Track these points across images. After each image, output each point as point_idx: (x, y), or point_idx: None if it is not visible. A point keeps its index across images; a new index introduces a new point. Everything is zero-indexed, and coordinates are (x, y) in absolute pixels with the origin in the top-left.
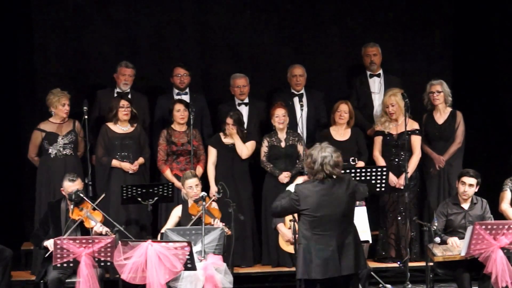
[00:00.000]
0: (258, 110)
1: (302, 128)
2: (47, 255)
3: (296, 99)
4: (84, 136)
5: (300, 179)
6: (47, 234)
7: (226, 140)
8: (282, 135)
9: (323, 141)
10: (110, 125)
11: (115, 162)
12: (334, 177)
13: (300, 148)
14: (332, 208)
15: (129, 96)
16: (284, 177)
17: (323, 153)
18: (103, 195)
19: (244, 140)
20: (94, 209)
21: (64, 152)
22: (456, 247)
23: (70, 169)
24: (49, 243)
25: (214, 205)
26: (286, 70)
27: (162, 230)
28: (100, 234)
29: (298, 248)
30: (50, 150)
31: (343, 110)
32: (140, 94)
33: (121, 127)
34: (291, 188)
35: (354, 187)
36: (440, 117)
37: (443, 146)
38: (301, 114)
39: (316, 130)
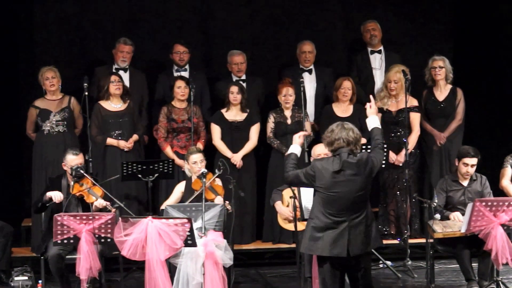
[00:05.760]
0: (256, 87)
1: (310, 104)
2: (47, 203)
3: (306, 75)
4: (83, 112)
5: (296, 137)
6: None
7: (229, 117)
8: (288, 112)
9: (325, 117)
10: (103, 103)
11: (110, 141)
12: (353, 150)
13: (306, 124)
14: (346, 187)
15: (128, 72)
16: None
17: (345, 125)
18: (117, 176)
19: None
20: (94, 185)
21: (57, 129)
22: (458, 221)
23: (63, 146)
24: (52, 194)
25: (218, 181)
26: (287, 47)
27: (163, 206)
28: (101, 209)
29: (307, 222)
30: (43, 127)
31: (347, 87)
32: (139, 72)
33: (113, 105)
34: (293, 149)
35: (372, 165)
36: (441, 94)
37: (443, 123)
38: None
39: (324, 106)
